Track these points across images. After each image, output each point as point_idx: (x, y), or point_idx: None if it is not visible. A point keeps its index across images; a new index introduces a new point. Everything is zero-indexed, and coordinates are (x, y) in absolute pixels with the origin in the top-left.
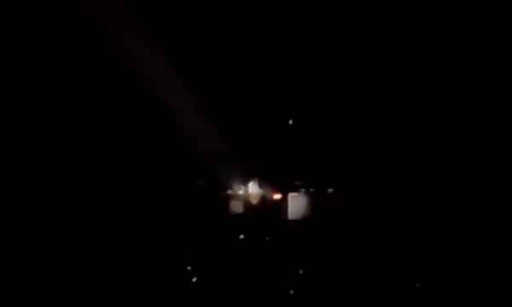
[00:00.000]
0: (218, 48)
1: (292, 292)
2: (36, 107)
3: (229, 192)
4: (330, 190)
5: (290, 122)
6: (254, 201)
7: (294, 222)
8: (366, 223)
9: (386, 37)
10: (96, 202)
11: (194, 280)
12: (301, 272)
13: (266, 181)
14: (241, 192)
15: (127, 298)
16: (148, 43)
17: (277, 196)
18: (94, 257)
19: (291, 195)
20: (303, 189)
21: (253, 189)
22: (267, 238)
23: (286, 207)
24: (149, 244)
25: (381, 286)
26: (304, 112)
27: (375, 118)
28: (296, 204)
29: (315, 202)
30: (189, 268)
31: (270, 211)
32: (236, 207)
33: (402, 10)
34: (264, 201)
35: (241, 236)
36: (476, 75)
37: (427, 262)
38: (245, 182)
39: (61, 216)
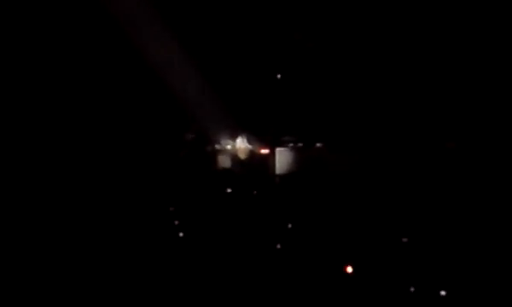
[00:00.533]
0: (207, 5)
1: (279, 246)
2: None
3: (216, 146)
4: (318, 145)
5: (278, 77)
6: (242, 156)
7: (282, 176)
8: (353, 178)
9: None
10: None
11: (181, 234)
12: (290, 226)
13: (254, 135)
14: (228, 146)
15: (110, 251)
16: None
17: (265, 151)
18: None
19: (278, 150)
20: (291, 144)
21: (240, 144)
22: (255, 192)
23: (273, 162)
24: (137, 198)
25: (368, 239)
26: (292, 67)
27: (363, 75)
28: (284, 158)
29: (302, 157)
30: (176, 222)
31: (258, 166)
32: (224, 162)
33: None
34: (252, 156)
35: (229, 190)
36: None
37: (414, 216)
38: (233, 136)
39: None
